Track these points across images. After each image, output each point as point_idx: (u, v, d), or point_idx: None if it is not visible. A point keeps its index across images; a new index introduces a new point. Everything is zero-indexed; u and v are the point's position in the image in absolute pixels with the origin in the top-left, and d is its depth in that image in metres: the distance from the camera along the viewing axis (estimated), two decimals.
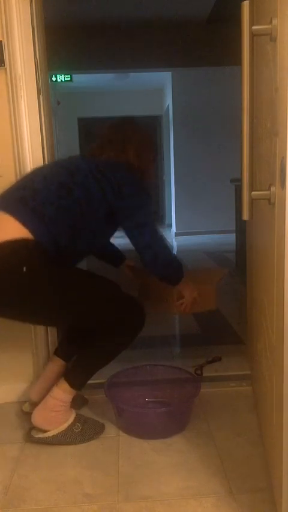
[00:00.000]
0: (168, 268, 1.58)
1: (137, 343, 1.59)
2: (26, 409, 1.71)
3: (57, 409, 1.52)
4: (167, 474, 1.37)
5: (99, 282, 1.52)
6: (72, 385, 1.53)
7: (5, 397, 1.82)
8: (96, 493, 1.30)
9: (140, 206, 1.51)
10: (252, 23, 0.96)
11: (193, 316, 2.87)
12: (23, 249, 1.36)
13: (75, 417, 1.57)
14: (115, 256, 1.93)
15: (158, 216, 9.95)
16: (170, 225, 7.45)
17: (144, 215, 1.51)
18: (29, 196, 1.43)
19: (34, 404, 1.62)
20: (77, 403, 1.76)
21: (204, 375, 1.97)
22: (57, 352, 1.73)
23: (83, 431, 1.55)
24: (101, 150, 1.59)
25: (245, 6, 0.95)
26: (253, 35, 0.98)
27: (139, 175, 1.56)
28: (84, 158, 1.60)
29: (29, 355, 1.83)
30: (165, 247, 1.55)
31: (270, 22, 0.96)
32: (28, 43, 1.63)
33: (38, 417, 1.53)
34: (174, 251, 6.01)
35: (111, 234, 1.63)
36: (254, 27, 0.97)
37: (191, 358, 2.11)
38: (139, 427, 1.59)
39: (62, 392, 1.52)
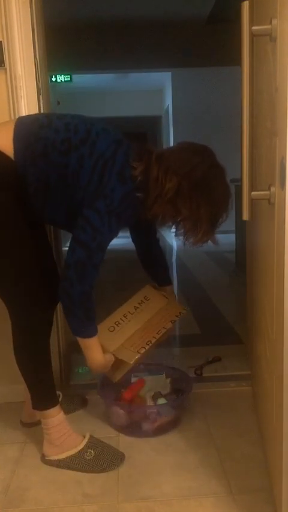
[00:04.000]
0: (70, 305, 1.32)
1: None
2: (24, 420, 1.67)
3: (54, 437, 1.43)
4: (167, 474, 1.37)
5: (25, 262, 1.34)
6: (35, 408, 1.45)
7: (5, 397, 1.82)
8: (96, 493, 1.30)
9: (95, 229, 1.26)
10: (252, 23, 0.97)
11: (193, 316, 2.87)
12: None
13: (87, 443, 1.44)
14: (156, 270, 1.73)
15: None
16: (170, 226, 7.43)
17: (91, 238, 1.27)
18: (39, 125, 1.32)
19: (27, 425, 1.64)
20: (77, 403, 1.76)
21: (204, 375, 1.97)
22: None
23: (96, 459, 1.41)
24: (147, 152, 1.32)
25: (245, 7, 0.95)
26: (253, 35, 0.98)
27: (136, 206, 1.31)
28: (118, 141, 1.33)
29: None
30: (81, 293, 1.29)
31: (270, 22, 0.96)
32: (28, 43, 1.63)
33: (46, 450, 1.45)
34: (174, 251, 6.00)
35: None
36: (253, 28, 0.97)
37: (191, 359, 2.11)
38: (129, 426, 1.58)
39: (43, 420, 1.44)
